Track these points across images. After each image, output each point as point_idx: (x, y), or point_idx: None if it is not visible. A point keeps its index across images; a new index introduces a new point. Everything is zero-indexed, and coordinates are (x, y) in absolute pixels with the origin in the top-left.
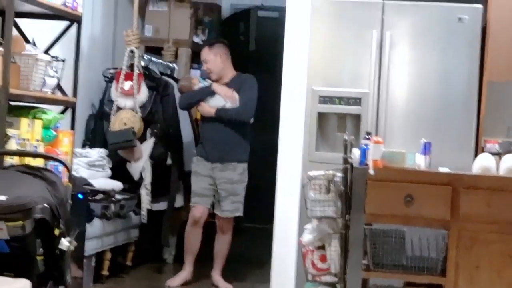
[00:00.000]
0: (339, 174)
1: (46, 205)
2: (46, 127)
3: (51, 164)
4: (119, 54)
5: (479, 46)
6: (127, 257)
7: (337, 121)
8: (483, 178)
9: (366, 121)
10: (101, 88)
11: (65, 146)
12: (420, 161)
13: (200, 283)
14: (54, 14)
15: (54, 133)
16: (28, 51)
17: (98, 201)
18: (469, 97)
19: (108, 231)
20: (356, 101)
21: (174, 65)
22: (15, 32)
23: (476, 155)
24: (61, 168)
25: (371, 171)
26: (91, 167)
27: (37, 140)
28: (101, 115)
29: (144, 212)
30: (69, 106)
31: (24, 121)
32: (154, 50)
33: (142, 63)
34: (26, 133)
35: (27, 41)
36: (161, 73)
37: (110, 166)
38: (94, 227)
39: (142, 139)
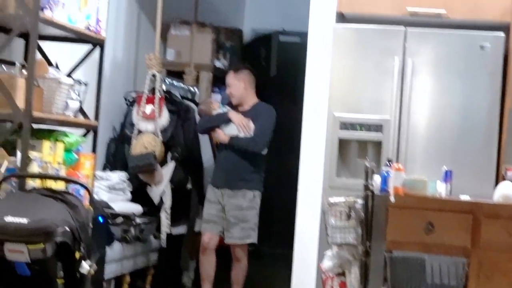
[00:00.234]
0: (360, 201)
1: (67, 228)
2: (68, 150)
3: (72, 187)
4: (141, 77)
5: (500, 74)
6: (146, 281)
7: (358, 148)
8: (504, 206)
9: (387, 148)
10: (123, 111)
11: (86, 169)
12: (441, 189)
13: None
14: (78, 38)
15: (76, 156)
16: (51, 74)
17: (118, 225)
18: (490, 124)
19: (127, 255)
20: (377, 127)
21: (195, 89)
22: (38, 55)
23: (497, 183)
24: (82, 191)
25: (392, 198)
26: (112, 190)
27: (59, 163)
28: (122, 139)
29: (163, 236)
30: (90, 129)
31: (46, 144)
32: (176, 74)
33: (164, 87)
34: (48, 156)
35: (50, 64)
36: (182, 97)
37: (131, 189)
38: (114, 250)
39: (163, 163)
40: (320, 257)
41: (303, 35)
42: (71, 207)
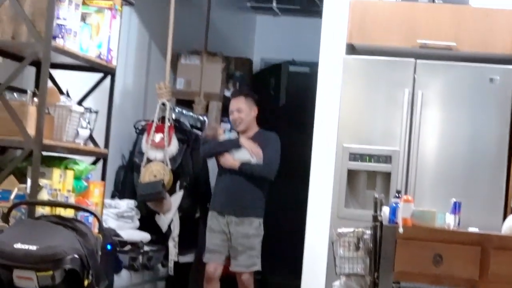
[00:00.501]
0: (368, 232)
1: (76, 255)
2: (77, 178)
3: (81, 215)
4: (151, 106)
5: (510, 106)
6: None
7: (367, 179)
8: None
9: (396, 179)
10: (132, 139)
11: (95, 197)
12: (449, 221)
13: None
14: (89, 66)
15: (85, 184)
16: (62, 102)
17: (126, 252)
18: (498, 157)
19: (135, 283)
20: (387, 159)
21: (205, 118)
22: (49, 83)
23: (505, 215)
24: (91, 218)
25: (401, 230)
26: (120, 218)
27: (69, 191)
28: (131, 167)
29: (171, 264)
30: (100, 157)
31: (56, 172)
32: (185, 103)
33: (173, 116)
34: (57, 183)
35: (61, 92)
36: (192, 126)
37: (139, 217)
38: (122, 278)
39: (172, 191)
40: (328, 287)
41: (313, 65)
42: (80, 234)
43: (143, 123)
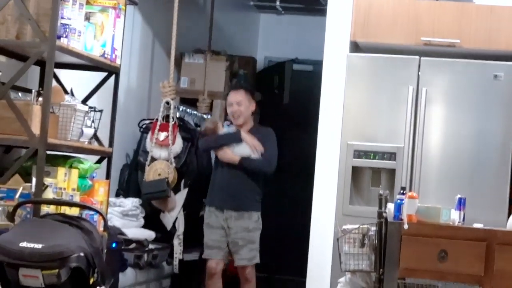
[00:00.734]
0: (373, 228)
1: (81, 254)
2: (82, 177)
3: (86, 213)
4: (155, 105)
5: None
6: None
7: (372, 176)
8: None
9: (400, 176)
10: (136, 138)
11: (100, 196)
12: (454, 217)
13: None
14: (93, 66)
15: (90, 182)
16: (67, 101)
17: (131, 251)
18: (503, 153)
19: (140, 281)
20: (391, 155)
21: (209, 116)
22: (54, 82)
23: (510, 211)
24: (96, 217)
25: (406, 226)
26: (125, 217)
27: (73, 189)
28: (135, 165)
29: (176, 262)
30: (105, 156)
31: (61, 171)
32: (189, 101)
33: (177, 114)
34: (62, 182)
35: (65, 91)
36: (196, 125)
37: (144, 215)
38: (127, 276)
39: (176, 189)
40: (333, 284)
41: (316, 64)
42: (86, 233)
43: (147, 121)
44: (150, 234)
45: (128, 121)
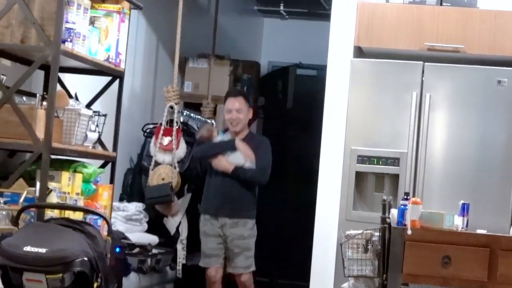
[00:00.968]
0: (377, 234)
1: (85, 258)
2: (86, 181)
3: (90, 218)
4: (158, 109)
5: None
6: None
7: (375, 181)
8: None
9: (404, 181)
10: (140, 143)
11: (104, 200)
12: (458, 222)
13: None
14: (97, 70)
15: (94, 187)
16: (71, 105)
17: (134, 255)
18: (507, 159)
19: (143, 285)
20: (395, 161)
21: (213, 121)
22: (58, 86)
23: None
24: (100, 221)
25: (409, 232)
26: (128, 221)
27: (77, 194)
28: (139, 170)
29: (179, 267)
30: (109, 161)
31: (65, 175)
32: (193, 106)
33: (181, 119)
34: (66, 186)
35: (69, 95)
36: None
37: (147, 220)
38: (130, 281)
39: (180, 194)
40: None
41: (320, 68)
42: (90, 237)
43: (151, 126)
44: (153, 239)
45: (132, 125)
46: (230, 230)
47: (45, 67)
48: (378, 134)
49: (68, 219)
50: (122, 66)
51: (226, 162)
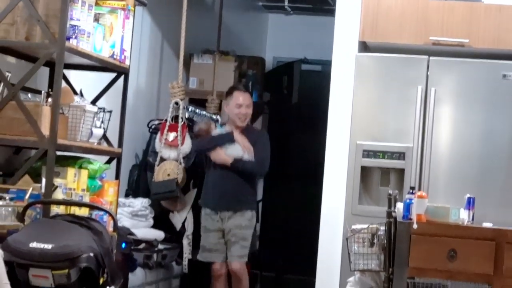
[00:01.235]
0: (382, 228)
1: (91, 254)
2: (91, 177)
3: (96, 214)
4: (163, 105)
5: None
6: None
7: (381, 175)
8: None
9: (409, 175)
10: (145, 139)
11: (110, 196)
12: (463, 216)
13: None
14: (102, 66)
15: (100, 183)
16: (76, 102)
17: (140, 251)
18: None
19: (150, 281)
20: (400, 155)
21: (218, 117)
22: (63, 83)
23: None
24: (106, 217)
25: (415, 226)
26: (134, 217)
27: (83, 190)
28: (144, 166)
29: (185, 262)
30: (114, 157)
31: (71, 171)
32: (198, 102)
33: (186, 115)
34: (72, 183)
35: (74, 92)
36: None
37: (153, 215)
38: (136, 276)
39: (185, 189)
40: (342, 284)
41: (325, 64)
42: (95, 233)
43: (156, 122)
44: (159, 234)
45: (137, 121)
46: (229, 221)
47: (50, 64)
48: (384, 129)
49: (74, 215)
50: (127, 62)
51: (224, 155)
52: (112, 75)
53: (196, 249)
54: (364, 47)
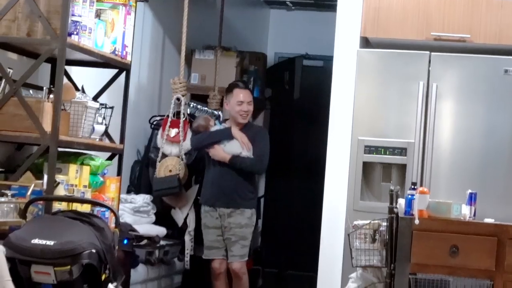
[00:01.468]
0: (384, 224)
1: (93, 250)
2: (93, 173)
3: (98, 210)
4: (165, 101)
5: None
6: None
7: (382, 171)
8: None
9: (411, 171)
10: (147, 135)
11: (112, 192)
12: (466, 212)
13: None
14: (104, 62)
15: (101, 179)
16: (78, 98)
17: (142, 247)
18: None
19: (152, 277)
20: (402, 151)
21: (220, 113)
22: (65, 79)
23: None
24: (108, 213)
25: (417, 221)
26: (136, 213)
27: (85, 186)
28: (146, 162)
29: (187, 258)
30: (116, 153)
31: (73, 168)
32: (200, 98)
33: (188, 111)
34: (74, 179)
35: (76, 88)
36: None
37: (155, 212)
38: (138, 272)
39: (187, 186)
40: (344, 280)
41: (327, 59)
42: (97, 229)
43: (158, 118)
44: (161, 231)
45: (139, 117)
46: (228, 219)
47: (52, 60)
48: (385, 124)
49: (75, 212)
50: (129, 58)
51: (223, 152)
52: (114, 71)
53: (198, 245)
54: (366, 42)
